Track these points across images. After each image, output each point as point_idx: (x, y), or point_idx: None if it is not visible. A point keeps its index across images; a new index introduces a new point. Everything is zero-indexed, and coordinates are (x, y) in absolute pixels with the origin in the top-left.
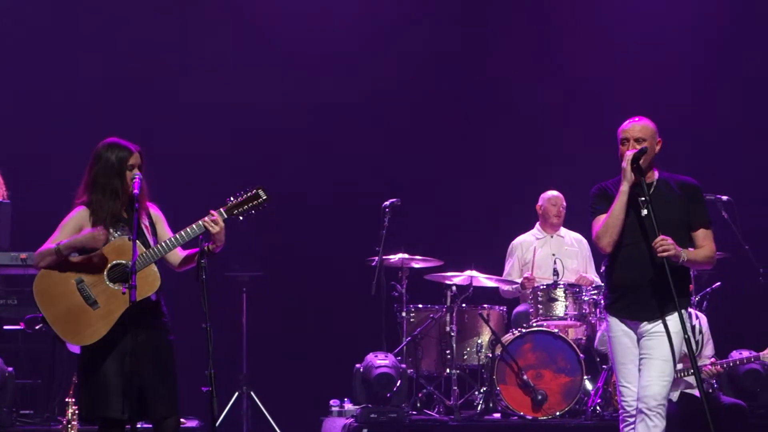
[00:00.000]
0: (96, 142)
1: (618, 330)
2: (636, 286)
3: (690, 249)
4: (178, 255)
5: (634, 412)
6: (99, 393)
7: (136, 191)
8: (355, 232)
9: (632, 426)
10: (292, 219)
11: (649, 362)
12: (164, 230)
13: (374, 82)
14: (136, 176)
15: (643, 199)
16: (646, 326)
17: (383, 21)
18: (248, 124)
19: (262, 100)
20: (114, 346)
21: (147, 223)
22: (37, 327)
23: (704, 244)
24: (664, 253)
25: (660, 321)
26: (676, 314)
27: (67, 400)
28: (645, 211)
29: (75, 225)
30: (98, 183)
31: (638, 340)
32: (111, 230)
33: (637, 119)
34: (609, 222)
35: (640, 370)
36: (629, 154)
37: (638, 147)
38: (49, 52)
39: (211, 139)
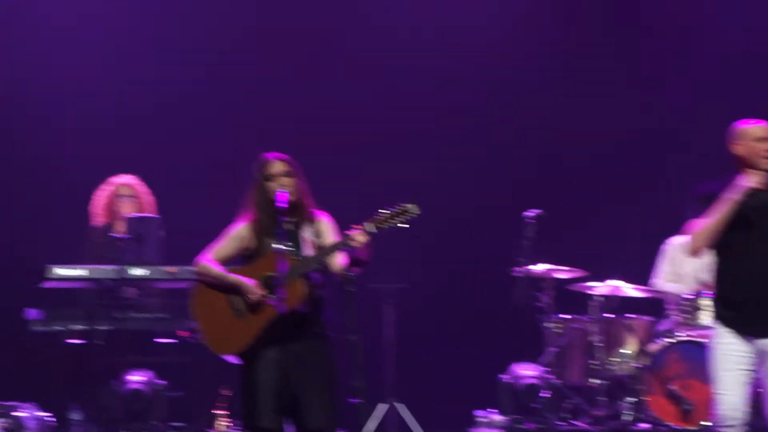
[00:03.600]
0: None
1: (727, 338)
2: (758, 300)
3: None
4: (338, 264)
5: (731, 423)
6: (253, 404)
7: (279, 204)
8: (499, 242)
9: None
10: (436, 230)
11: None
12: (329, 241)
13: (514, 91)
14: (281, 188)
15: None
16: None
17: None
18: (392, 139)
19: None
20: (268, 357)
21: (308, 235)
22: (189, 339)
23: None
24: None
25: None
26: None
27: (214, 411)
28: None
29: (237, 238)
30: (252, 197)
31: (754, 357)
32: (268, 241)
33: None
34: (710, 227)
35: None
36: None
37: None
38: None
39: (362, 144)
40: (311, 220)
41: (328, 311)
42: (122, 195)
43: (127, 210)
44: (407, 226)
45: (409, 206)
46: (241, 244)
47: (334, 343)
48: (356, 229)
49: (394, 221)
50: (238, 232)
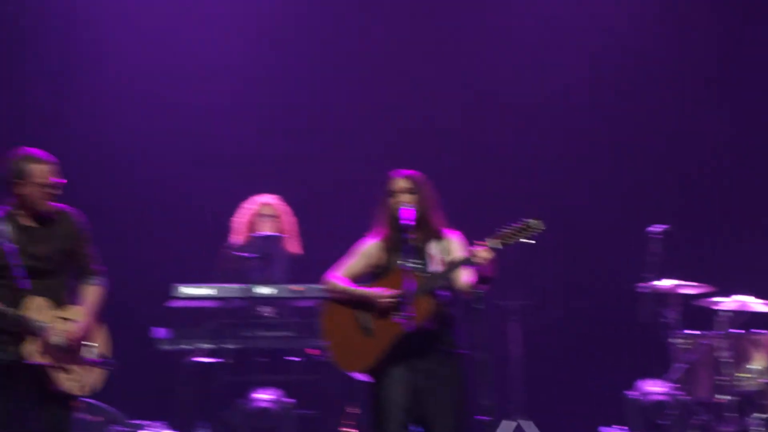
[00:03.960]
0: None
1: None
2: None
3: None
4: (465, 281)
5: None
6: (382, 422)
7: (403, 220)
8: (624, 258)
9: None
10: (562, 246)
11: None
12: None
13: (638, 104)
14: (403, 205)
15: None
16: None
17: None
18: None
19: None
20: (396, 375)
21: (435, 252)
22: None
23: None
24: None
25: None
26: None
27: (341, 430)
28: None
29: (366, 255)
30: (380, 214)
31: None
32: (396, 258)
33: None
34: None
35: None
36: None
37: None
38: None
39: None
40: (439, 237)
41: (457, 329)
42: (264, 215)
43: (267, 230)
44: (532, 242)
45: (533, 222)
46: (370, 261)
47: (463, 361)
48: (480, 245)
49: (518, 237)
50: (366, 249)
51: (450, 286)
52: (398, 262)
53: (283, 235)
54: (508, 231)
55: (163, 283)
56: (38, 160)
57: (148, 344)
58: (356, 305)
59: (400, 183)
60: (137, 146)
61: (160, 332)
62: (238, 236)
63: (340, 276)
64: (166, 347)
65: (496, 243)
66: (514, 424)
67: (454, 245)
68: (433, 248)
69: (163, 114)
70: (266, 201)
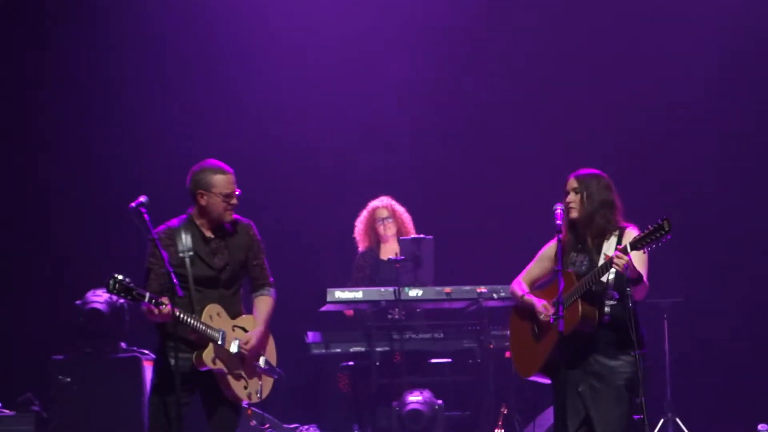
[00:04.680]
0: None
1: None
2: None
3: None
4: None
5: None
6: (556, 421)
7: (557, 221)
8: None
9: None
10: (707, 242)
11: None
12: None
13: None
14: (557, 207)
15: None
16: None
17: None
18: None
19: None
20: (560, 378)
21: (610, 251)
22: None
23: None
24: None
25: None
26: None
27: (496, 431)
28: None
29: (546, 258)
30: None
31: None
32: (565, 260)
33: None
34: None
35: None
36: None
37: None
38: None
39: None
40: (609, 235)
41: (623, 328)
42: (380, 218)
43: (387, 232)
44: (657, 245)
45: (663, 223)
46: (550, 264)
47: (629, 361)
48: (618, 250)
49: (648, 240)
50: (546, 252)
51: (604, 288)
52: (559, 265)
53: (430, 237)
54: (641, 235)
55: (316, 288)
56: (222, 171)
57: (301, 348)
58: (531, 311)
59: (570, 183)
60: (290, 155)
61: (313, 336)
62: (360, 243)
63: (520, 281)
64: (319, 351)
65: (628, 247)
66: (666, 421)
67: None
68: (609, 248)
69: (309, 124)
70: (380, 204)
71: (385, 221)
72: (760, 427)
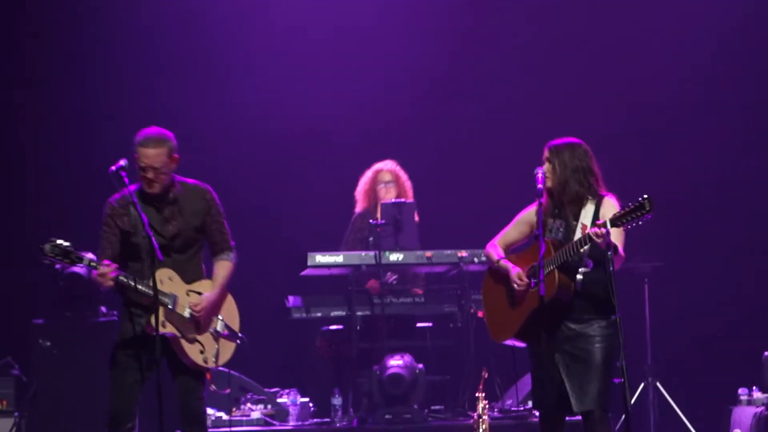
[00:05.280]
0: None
1: None
2: None
3: None
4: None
5: None
6: (533, 387)
7: (538, 185)
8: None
9: None
10: (690, 208)
11: None
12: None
13: None
14: (538, 170)
15: None
16: None
17: None
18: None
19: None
20: (535, 346)
21: (587, 219)
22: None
23: None
24: None
25: None
26: None
27: (477, 395)
28: None
29: (523, 222)
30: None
31: None
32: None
33: None
34: None
35: None
36: None
37: None
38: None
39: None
40: (584, 203)
41: (592, 295)
42: (382, 181)
43: (387, 196)
44: (638, 223)
45: (644, 202)
46: (528, 229)
47: (601, 325)
48: (596, 226)
49: (628, 218)
50: (523, 217)
51: (581, 257)
52: (539, 229)
53: (412, 201)
54: (621, 213)
55: (296, 253)
56: (140, 143)
57: (281, 313)
58: (506, 276)
59: (544, 153)
60: (268, 120)
61: (293, 300)
62: (359, 204)
63: (495, 244)
64: (299, 315)
65: (608, 224)
66: (646, 385)
67: (607, 209)
68: (586, 215)
69: (291, 90)
70: (384, 167)
71: (387, 185)
72: (740, 390)
